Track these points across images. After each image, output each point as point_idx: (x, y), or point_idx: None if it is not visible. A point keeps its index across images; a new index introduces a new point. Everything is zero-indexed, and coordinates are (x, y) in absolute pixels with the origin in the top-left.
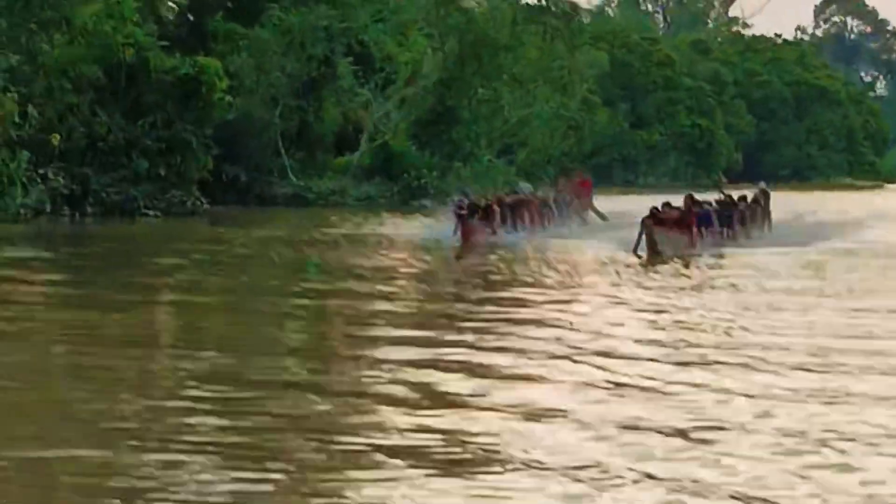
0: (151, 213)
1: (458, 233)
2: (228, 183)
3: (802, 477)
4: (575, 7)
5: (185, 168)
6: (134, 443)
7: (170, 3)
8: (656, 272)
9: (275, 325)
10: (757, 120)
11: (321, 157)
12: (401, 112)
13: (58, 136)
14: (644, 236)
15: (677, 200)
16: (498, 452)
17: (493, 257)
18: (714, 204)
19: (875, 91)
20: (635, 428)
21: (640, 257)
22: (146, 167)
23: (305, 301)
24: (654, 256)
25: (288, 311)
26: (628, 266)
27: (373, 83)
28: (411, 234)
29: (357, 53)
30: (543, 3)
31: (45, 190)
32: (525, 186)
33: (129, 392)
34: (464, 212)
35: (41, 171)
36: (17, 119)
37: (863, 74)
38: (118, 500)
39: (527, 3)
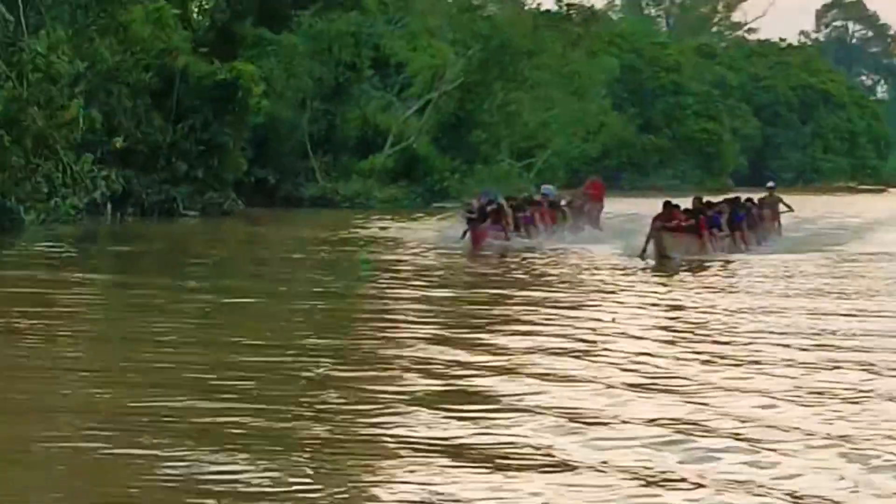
0: (190, 213)
1: (468, 236)
2: (257, 184)
3: (851, 476)
4: (594, 14)
5: (221, 170)
6: (171, 434)
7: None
8: (668, 277)
9: (322, 322)
10: (762, 124)
11: (346, 160)
12: (423, 116)
13: (121, 140)
14: (653, 242)
15: (685, 203)
16: (542, 452)
17: (505, 261)
18: (723, 206)
19: (875, 95)
20: (677, 428)
21: (645, 261)
22: (185, 169)
23: (347, 301)
24: (664, 261)
25: (329, 310)
26: (640, 270)
27: (392, 88)
28: (433, 236)
29: (374, 59)
30: (564, 10)
31: (105, 191)
32: (549, 189)
33: (167, 386)
34: (474, 215)
35: (104, 174)
36: (81, 123)
37: (864, 78)
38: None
39: (548, 10)
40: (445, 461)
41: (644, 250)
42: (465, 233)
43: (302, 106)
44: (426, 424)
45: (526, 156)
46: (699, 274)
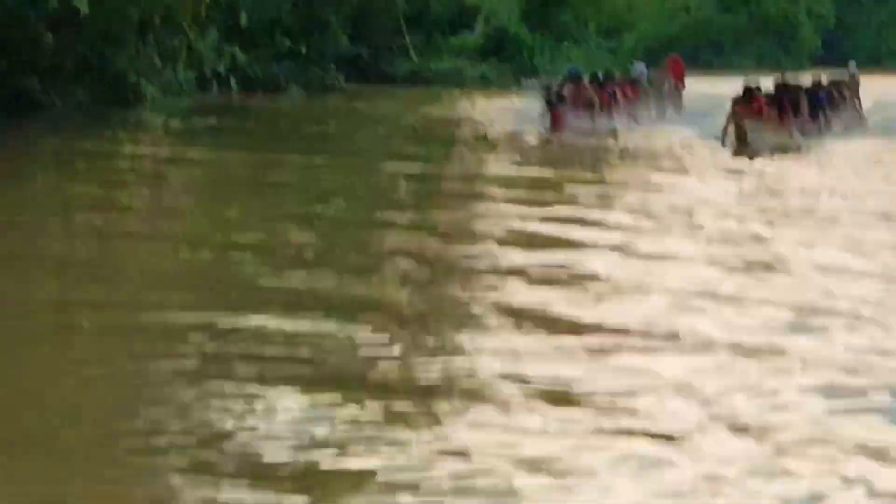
0: (294, 89)
1: (548, 119)
2: (352, 61)
3: None
4: None
5: (323, 46)
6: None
7: None
8: (754, 160)
9: (414, 197)
10: (836, 5)
11: (438, 38)
12: None
13: (245, 17)
14: (732, 124)
15: (766, 82)
16: (651, 331)
17: (588, 142)
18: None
19: None
20: (790, 308)
21: (726, 147)
22: (288, 45)
23: (441, 177)
24: (743, 146)
25: (423, 185)
26: (724, 153)
27: None
28: (519, 116)
29: None
30: None
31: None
32: (639, 67)
33: (262, 259)
34: (553, 98)
35: (228, 49)
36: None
37: None
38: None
39: None
40: (540, 332)
41: (725, 133)
42: (543, 114)
43: None
44: (520, 295)
45: (612, 35)
46: (785, 158)
